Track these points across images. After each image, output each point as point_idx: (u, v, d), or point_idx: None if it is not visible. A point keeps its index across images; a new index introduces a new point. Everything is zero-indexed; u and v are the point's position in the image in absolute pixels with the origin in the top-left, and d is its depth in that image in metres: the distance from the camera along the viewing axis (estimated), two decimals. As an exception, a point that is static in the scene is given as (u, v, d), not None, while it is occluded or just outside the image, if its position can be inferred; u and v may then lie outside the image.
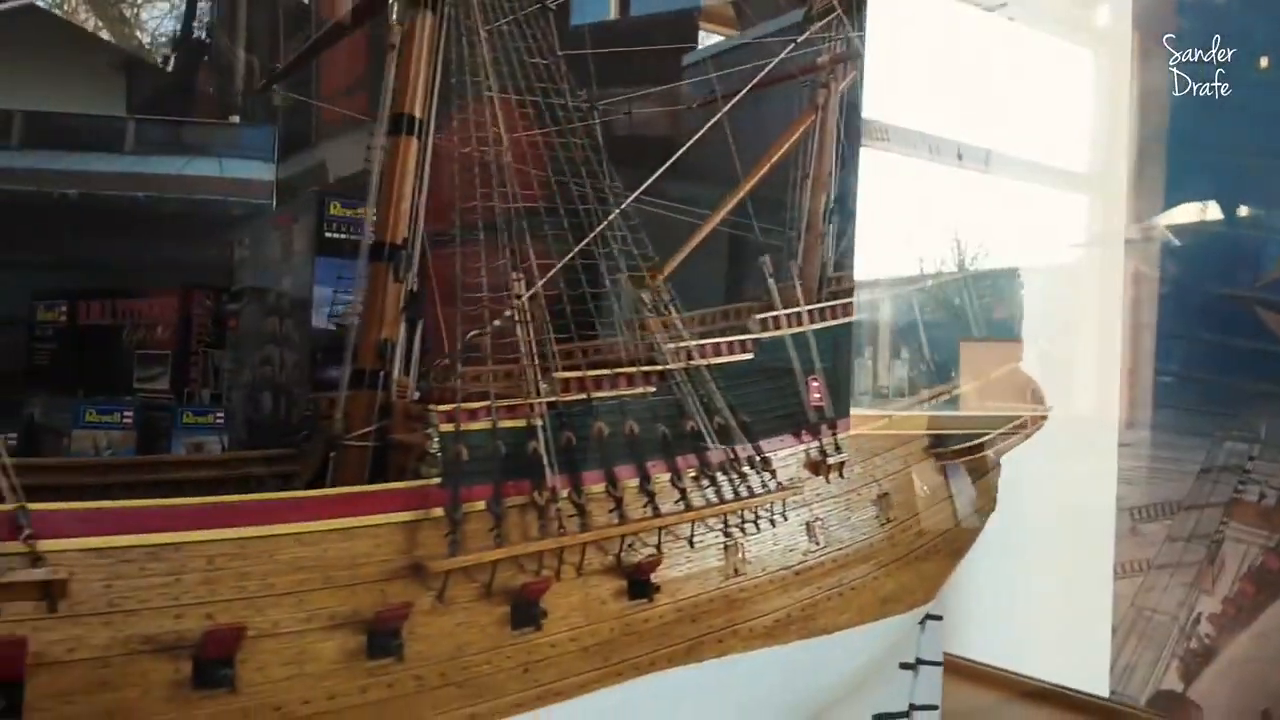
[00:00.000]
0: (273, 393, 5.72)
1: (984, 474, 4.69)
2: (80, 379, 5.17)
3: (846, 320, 4.09)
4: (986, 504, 4.72)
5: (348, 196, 5.17)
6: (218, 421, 4.90)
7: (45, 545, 2.26)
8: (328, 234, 5.05)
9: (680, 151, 4.18)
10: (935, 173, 5.48)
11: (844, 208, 4.37)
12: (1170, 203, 6.01)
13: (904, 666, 4.96)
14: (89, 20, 6.46)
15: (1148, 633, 6.14)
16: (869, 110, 4.54)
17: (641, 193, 3.76)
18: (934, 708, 5.15)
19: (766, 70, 4.22)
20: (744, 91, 4.10)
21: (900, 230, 5.18)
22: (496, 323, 3.40)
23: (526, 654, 2.92)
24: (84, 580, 2.29)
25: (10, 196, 4.74)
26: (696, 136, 4.13)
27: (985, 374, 5.05)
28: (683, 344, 3.51)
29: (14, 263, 4.95)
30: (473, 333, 3.72)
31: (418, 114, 3.55)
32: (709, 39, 7.15)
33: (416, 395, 3.50)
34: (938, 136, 5.45)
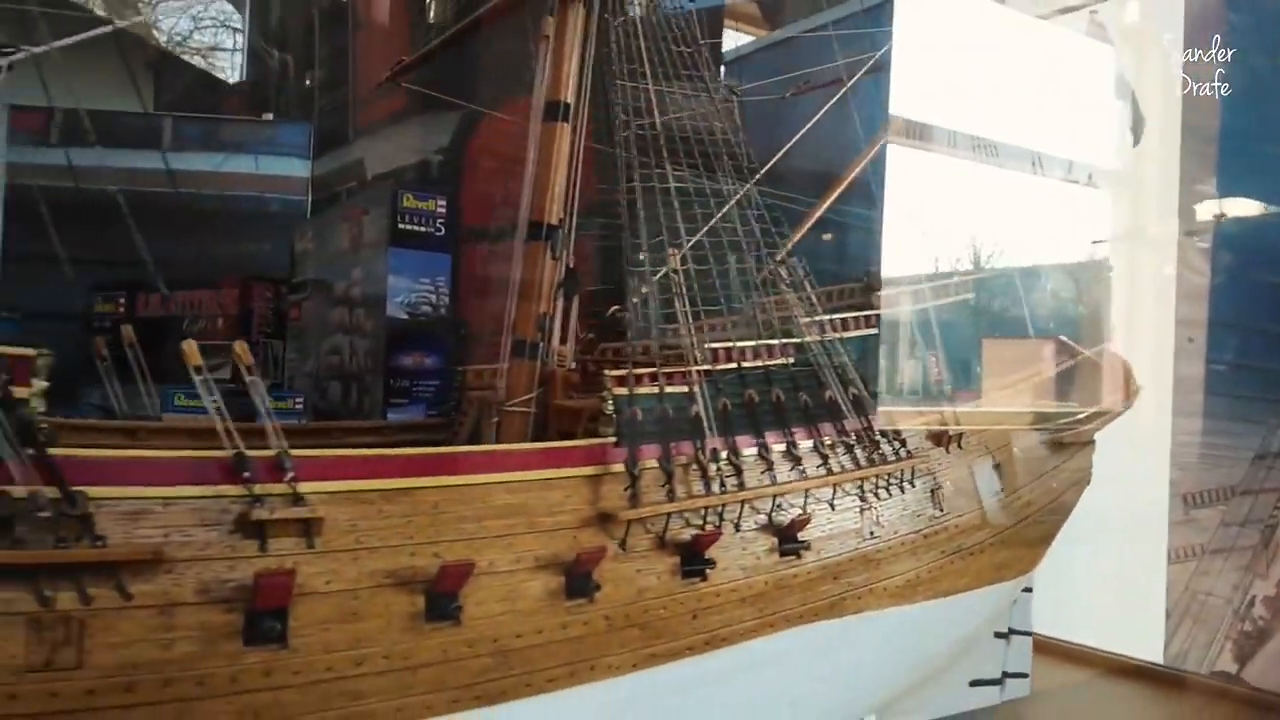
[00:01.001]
0: (342, 381, 5.92)
1: (1083, 449, 4.87)
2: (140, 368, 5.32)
3: (963, 297, 4.29)
4: (1085, 478, 4.90)
5: (421, 189, 5.38)
6: (296, 406, 5.10)
7: (304, 487, 2.49)
8: (401, 226, 5.27)
9: (798, 135, 4.40)
10: (1005, 175, 5.65)
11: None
12: (1220, 195, 6.14)
13: (998, 635, 5.16)
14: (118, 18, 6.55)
15: (1202, 616, 6.27)
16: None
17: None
18: (1024, 675, 5.35)
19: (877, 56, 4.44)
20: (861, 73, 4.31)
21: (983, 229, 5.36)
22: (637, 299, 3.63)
23: (695, 601, 3.13)
24: (334, 520, 2.52)
25: (52, 193, 4.83)
26: (815, 120, 4.36)
27: (1009, 372, 5.17)
28: (818, 318, 3.72)
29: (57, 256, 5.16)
30: (614, 309, 3.96)
31: (570, 101, 3.77)
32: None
33: (574, 364, 3.73)
34: (1004, 142, 5.60)
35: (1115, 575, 6.33)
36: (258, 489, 2.43)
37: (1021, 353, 4.80)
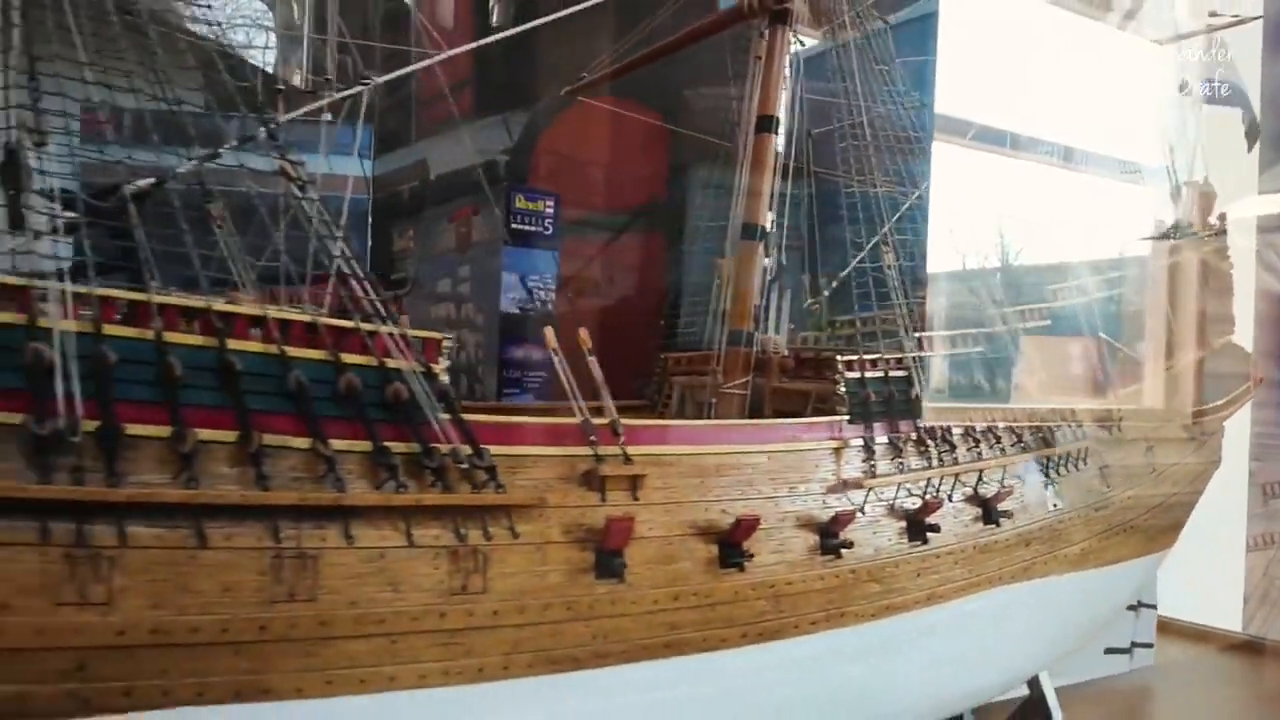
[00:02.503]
0: (450, 372, 6.31)
1: (1214, 436, 5.24)
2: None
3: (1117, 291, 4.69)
4: (1216, 461, 5.28)
5: (534, 191, 5.76)
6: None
7: (631, 450, 2.95)
8: (514, 225, 5.65)
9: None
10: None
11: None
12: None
13: (1128, 608, 5.56)
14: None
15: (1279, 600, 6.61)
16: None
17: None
18: (1149, 645, 5.75)
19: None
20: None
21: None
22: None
23: (919, 562, 3.57)
24: (651, 477, 2.98)
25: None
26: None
27: (1051, 368, 5.47)
28: (1011, 309, 4.14)
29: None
30: (809, 302, 4.39)
31: (778, 115, 4.20)
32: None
33: (785, 351, 4.17)
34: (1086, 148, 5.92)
35: (1197, 560, 6.67)
36: (600, 450, 2.90)
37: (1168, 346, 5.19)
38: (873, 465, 3.52)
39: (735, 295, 4.13)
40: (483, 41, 3.62)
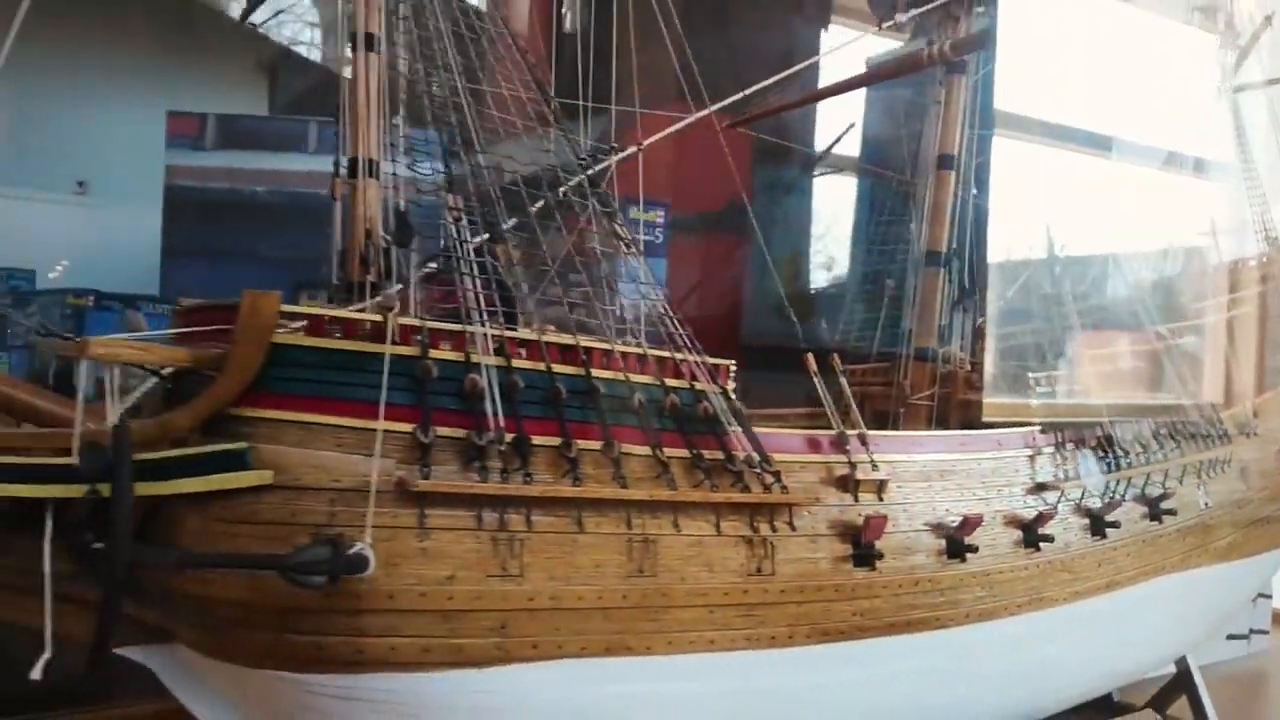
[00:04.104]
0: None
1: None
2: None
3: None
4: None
5: (650, 201, 6.21)
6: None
7: (877, 457, 3.52)
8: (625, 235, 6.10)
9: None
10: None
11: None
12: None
13: (1252, 598, 6.00)
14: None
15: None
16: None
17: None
18: (1265, 632, 6.21)
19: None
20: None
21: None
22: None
23: (1100, 554, 4.10)
24: (891, 481, 3.55)
25: (206, 194, 5.12)
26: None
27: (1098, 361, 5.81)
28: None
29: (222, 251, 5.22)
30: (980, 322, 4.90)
31: (955, 153, 4.72)
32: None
33: (969, 366, 4.69)
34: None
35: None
36: (854, 457, 3.47)
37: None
38: (1063, 469, 4.05)
39: (921, 315, 4.68)
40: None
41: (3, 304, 4.82)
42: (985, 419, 4.23)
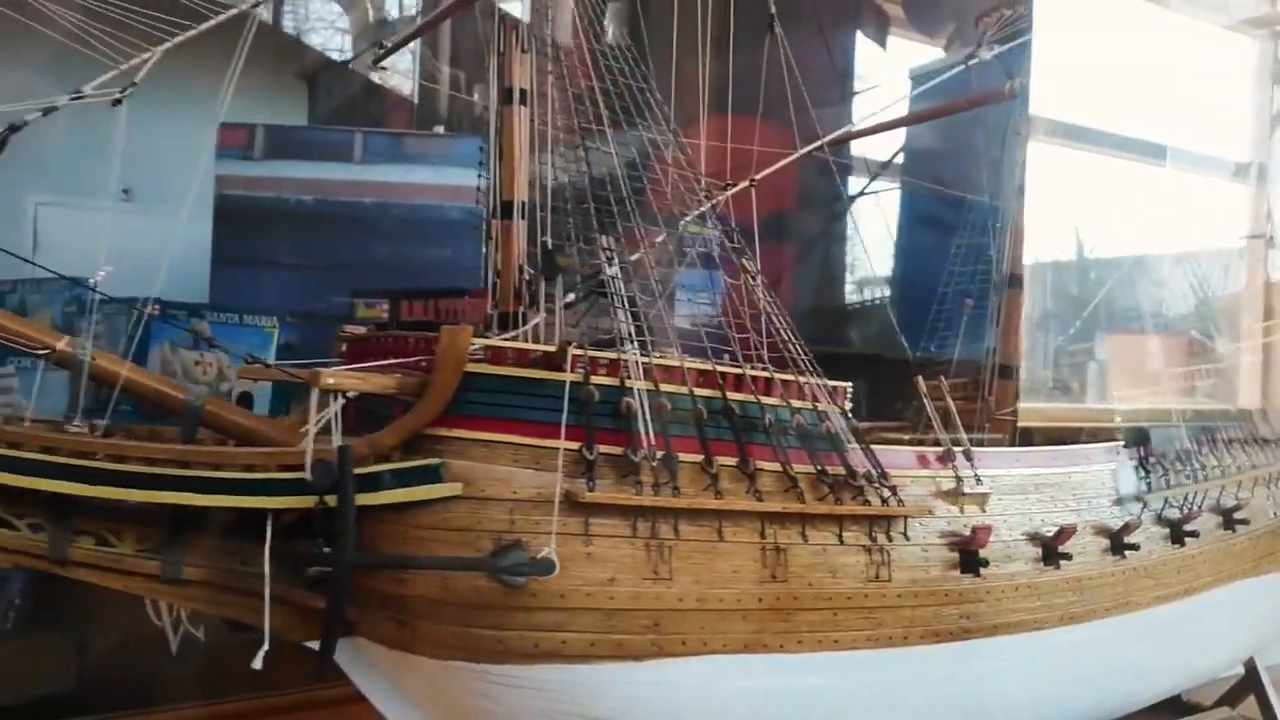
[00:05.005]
0: None
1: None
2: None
3: None
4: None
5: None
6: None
7: (980, 472, 3.80)
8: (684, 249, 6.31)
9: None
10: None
11: None
12: None
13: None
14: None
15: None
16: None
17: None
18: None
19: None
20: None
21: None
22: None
23: (1180, 561, 4.36)
24: (993, 494, 3.82)
25: (254, 203, 5.22)
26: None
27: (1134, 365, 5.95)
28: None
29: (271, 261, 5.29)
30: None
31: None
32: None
33: (1050, 384, 4.95)
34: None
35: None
36: (959, 472, 3.75)
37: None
38: (1146, 482, 4.30)
39: (1004, 335, 4.94)
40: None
41: (68, 312, 4.83)
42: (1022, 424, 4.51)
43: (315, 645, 3.04)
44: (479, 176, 5.34)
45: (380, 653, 3.13)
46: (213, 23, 3.04)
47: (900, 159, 6.36)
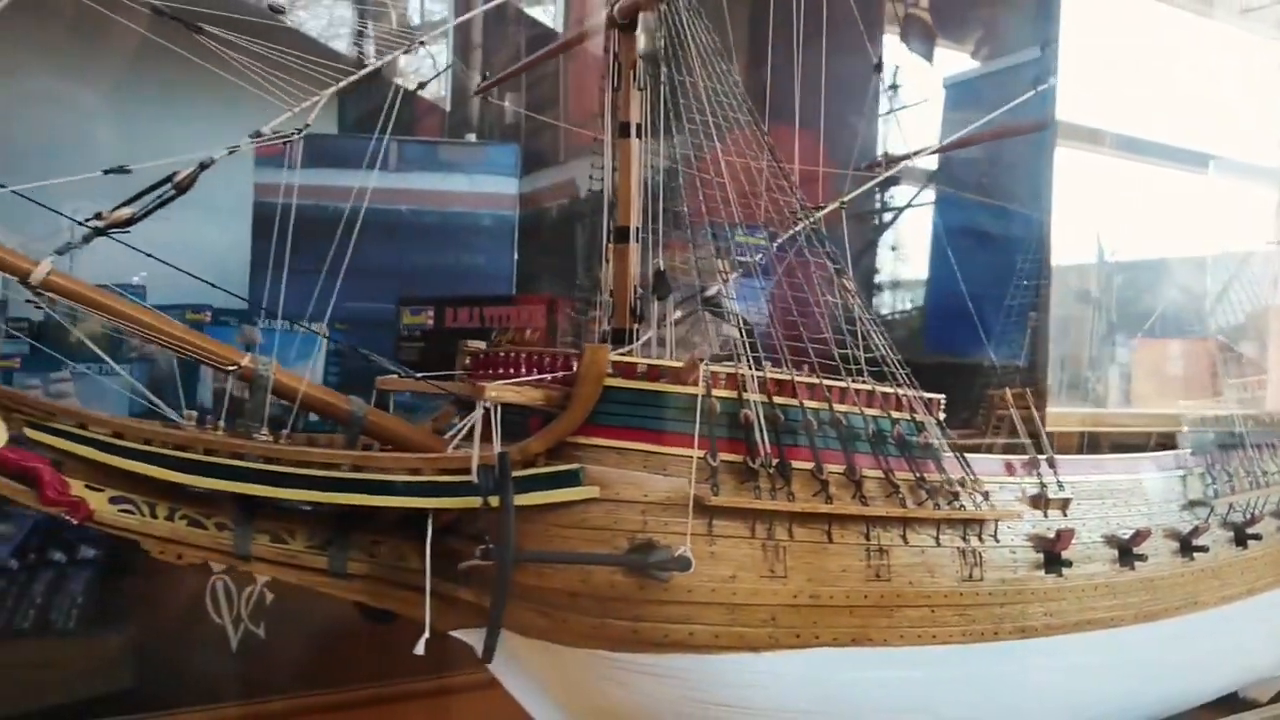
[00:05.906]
0: None
1: None
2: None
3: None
4: None
5: (752, 225, 6.52)
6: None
7: (1063, 478, 4.04)
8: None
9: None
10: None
11: None
12: None
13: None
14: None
15: None
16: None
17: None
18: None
19: None
20: None
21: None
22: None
23: (1243, 563, 4.58)
24: (1073, 500, 4.06)
25: (295, 210, 5.09)
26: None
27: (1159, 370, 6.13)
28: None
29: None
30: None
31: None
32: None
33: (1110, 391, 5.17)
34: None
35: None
36: (1044, 478, 3.99)
37: None
38: (1213, 488, 4.52)
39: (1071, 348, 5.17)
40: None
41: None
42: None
43: (460, 635, 3.33)
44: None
45: (517, 640, 3.40)
46: (363, 73, 3.34)
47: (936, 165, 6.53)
